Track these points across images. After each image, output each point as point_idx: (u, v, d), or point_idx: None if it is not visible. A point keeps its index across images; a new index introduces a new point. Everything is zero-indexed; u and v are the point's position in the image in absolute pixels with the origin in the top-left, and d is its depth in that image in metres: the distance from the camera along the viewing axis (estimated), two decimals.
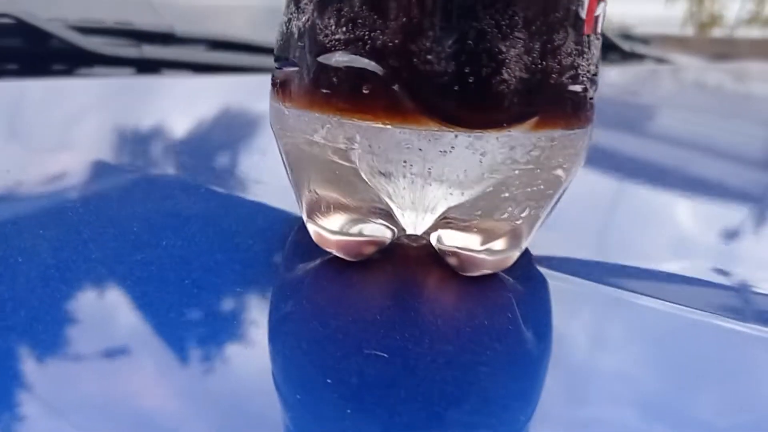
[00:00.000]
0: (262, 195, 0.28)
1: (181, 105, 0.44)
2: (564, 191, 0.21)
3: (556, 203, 0.21)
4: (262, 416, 0.15)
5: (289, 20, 0.19)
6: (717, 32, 2.81)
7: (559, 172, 0.19)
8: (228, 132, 0.38)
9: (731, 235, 0.29)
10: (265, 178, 0.29)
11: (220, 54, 0.56)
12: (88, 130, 0.37)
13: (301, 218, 0.21)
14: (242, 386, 0.16)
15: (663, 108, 0.75)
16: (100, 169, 0.30)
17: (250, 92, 0.46)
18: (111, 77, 0.49)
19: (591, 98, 0.20)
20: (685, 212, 0.32)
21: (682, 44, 2.49)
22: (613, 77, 0.82)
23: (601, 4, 0.19)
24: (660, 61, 1.03)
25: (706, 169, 0.44)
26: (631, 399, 0.16)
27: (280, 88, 0.20)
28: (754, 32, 2.76)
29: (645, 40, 1.15)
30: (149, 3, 0.60)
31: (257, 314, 0.19)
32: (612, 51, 0.93)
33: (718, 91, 0.95)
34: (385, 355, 0.17)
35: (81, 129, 0.37)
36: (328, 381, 0.16)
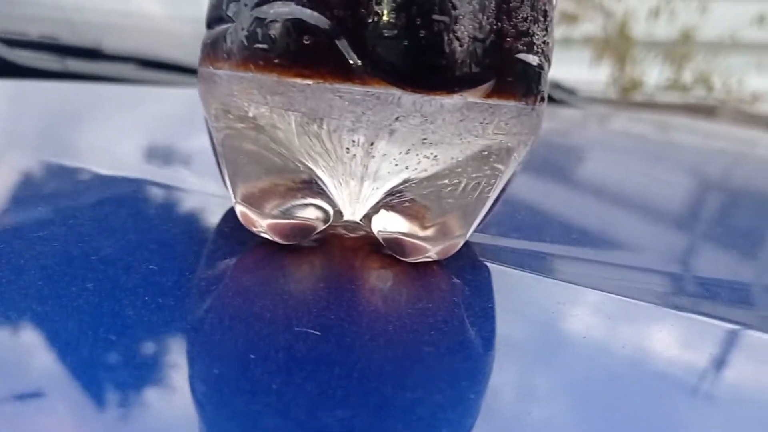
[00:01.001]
0: (190, 182, 0.26)
1: (106, 109, 0.42)
2: (511, 178, 0.19)
3: (503, 191, 0.19)
4: (181, 390, 0.13)
5: None
6: (638, 96, 2.94)
7: (510, 148, 0.18)
8: (155, 133, 0.36)
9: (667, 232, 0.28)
10: (193, 165, 0.27)
11: (149, 72, 0.54)
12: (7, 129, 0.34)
13: (230, 203, 0.19)
14: (159, 360, 0.14)
15: (589, 151, 0.76)
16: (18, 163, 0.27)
17: (180, 103, 0.44)
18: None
19: (545, 75, 0.19)
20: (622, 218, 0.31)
21: (606, 107, 2.59)
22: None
23: None
24: (587, 109, 1.06)
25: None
26: (569, 378, 0.15)
27: (211, 50, 0.18)
28: (673, 97, 2.90)
29: (572, 92, 1.18)
30: (73, 21, 0.58)
31: (176, 294, 0.17)
32: None
33: (640, 138, 0.98)
34: (318, 332, 0.15)
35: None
36: (252, 356, 0.14)
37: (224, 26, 0.18)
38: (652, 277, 0.23)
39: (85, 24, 0.59)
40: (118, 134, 0.34)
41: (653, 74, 2.98)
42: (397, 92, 0.16)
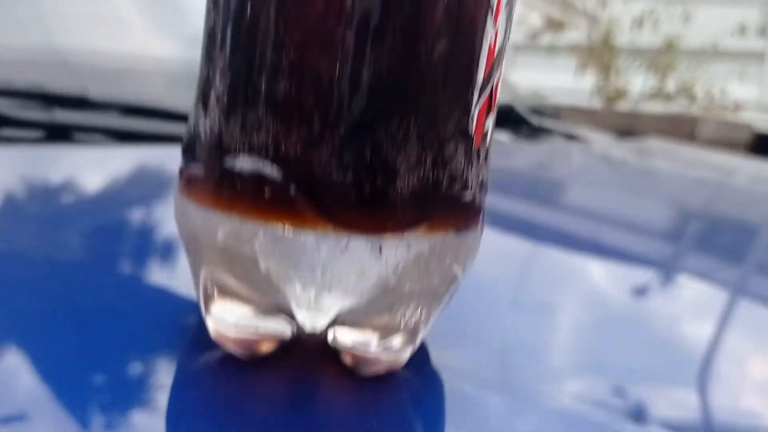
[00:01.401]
0: (163, 280, 0.28)
1: (89, 176, 0.44)
2: (457, 287, 0.22)
3: (450, 298, 0.22)
4: None
5: (197, 120, 0.20)
6: (623, 105, 2.98)
7: (453, 270, 0.20)
8: (134, 208, 0.38)
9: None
10: (169, 262, 0.29)
11: (135, 120, 0.55)
12: None
13: (198, 308, 0.21)
14: None
15: (570, 183, 0.78)
16: None
17: (163, 164, 0.46)
18: (18, 144, 0.48)
19: (480, 203, 0.21)
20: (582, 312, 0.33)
21: (590, 117, 2.63)
22: (523, 152, 0.86)
23: (490, 119, 0.20)
24: (569, 136, 1.08)
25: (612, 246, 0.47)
26: None
27: (186, 183, 0.20)
28: (656, 107, 2.94)
29: (555, 114, 1.21)
30: (63, 64, 0.59)
31: (137, 409, 0.19)
32: (522, 125, 0.97)
33: (622, 167, 1.00)
34: None
35: None
36: None
37: (197, 166, 0.20)
38: None
39: (73, 68, 0.60)
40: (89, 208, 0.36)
41: (637, 83, 3.02)
42: (346, 235, 0.18)
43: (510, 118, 0.94)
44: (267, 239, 0.18)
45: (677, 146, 1.31)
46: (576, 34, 3.30)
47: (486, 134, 0.20)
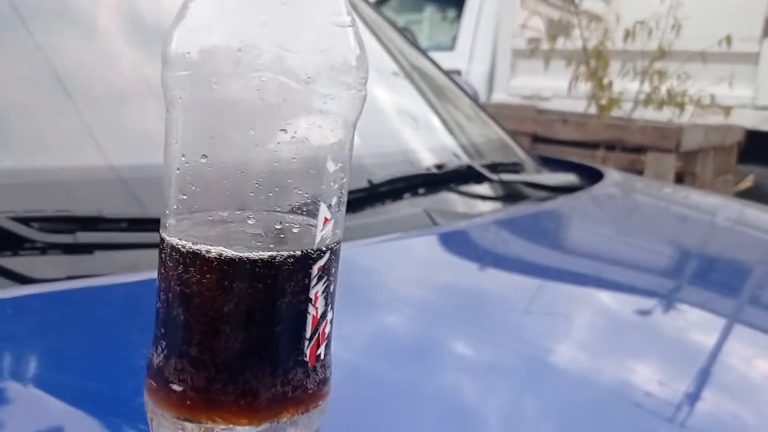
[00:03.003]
0: None
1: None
2: None
3: None
4: None
5: (151, 351, 0.34)
6: (617, 112, 3.09)
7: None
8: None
9: None
10: None
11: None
12: None
13: None
14: None
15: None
16: None
17: None
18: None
19: (322, 389, 0.35)
20: None
21: (581, 129, 2.74)
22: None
23: (321, 347, 0.34)
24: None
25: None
26: None
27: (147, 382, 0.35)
28: (648, 114, 3.04)
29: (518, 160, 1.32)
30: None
31: None
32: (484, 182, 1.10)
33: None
34: None
35: None
36: None
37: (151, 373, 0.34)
38: None
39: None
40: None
41: (631, 91, 3.12)
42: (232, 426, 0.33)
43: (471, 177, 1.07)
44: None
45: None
46: (570, 43, 3.40)
47: (319, 356, 0.34)
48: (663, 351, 0.67)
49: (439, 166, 1.03)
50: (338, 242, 0.34)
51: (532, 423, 0.51)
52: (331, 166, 0.31)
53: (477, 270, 0.83)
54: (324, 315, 0.34)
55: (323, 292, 0.33)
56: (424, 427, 0.47)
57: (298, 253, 0.31)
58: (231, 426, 0.32)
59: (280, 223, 0.32)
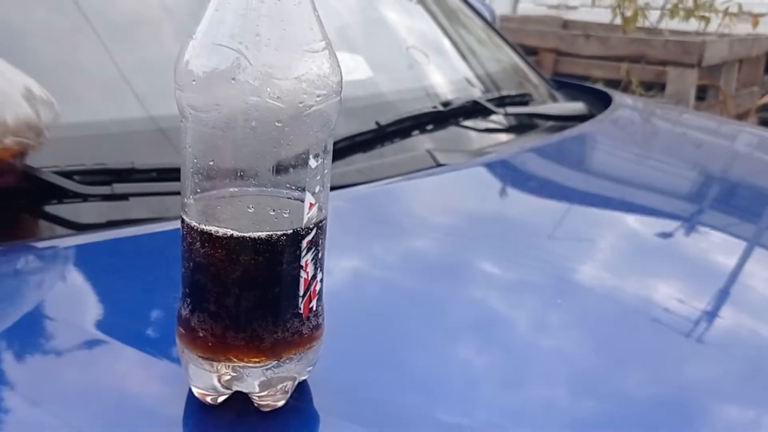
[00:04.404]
0: None
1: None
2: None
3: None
4: None
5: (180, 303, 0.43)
6: (642, 23, 3.05)
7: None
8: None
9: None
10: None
11: None
12: None
13: None
14: None
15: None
16: None
17: None
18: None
19: (315, 334, 0.44)
20: None
21: (603, 43, 2.73)
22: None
23: (314, 301, 0.43)
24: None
25: None
26: None
27: (178, 325, 0.44)
28: (674, 24, 3.00)
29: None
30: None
31: None
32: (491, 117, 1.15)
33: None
34: None
35: None
36: None
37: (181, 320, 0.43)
38: None
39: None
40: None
41: (657, 0, 3.07)
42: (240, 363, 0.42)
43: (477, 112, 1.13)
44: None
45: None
46: None
47: (312, 308, 0.43)
48: (683, 271, 0.74)
49: (445, 103, 1.08)
50: (323, 219, 0.42)
51: (557, 332, 0.59)
52: (313, 163, 0.39)
53: (494, 202, 0.90)
54: (314, 277, 0.42)
55: (312, 260, 0.42)
56: (453, 335, 0.56)
57: (290, 231, 0.40)
58: (243, 363, 0.42)
59: (275, 206, 0.40)
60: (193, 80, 0.37)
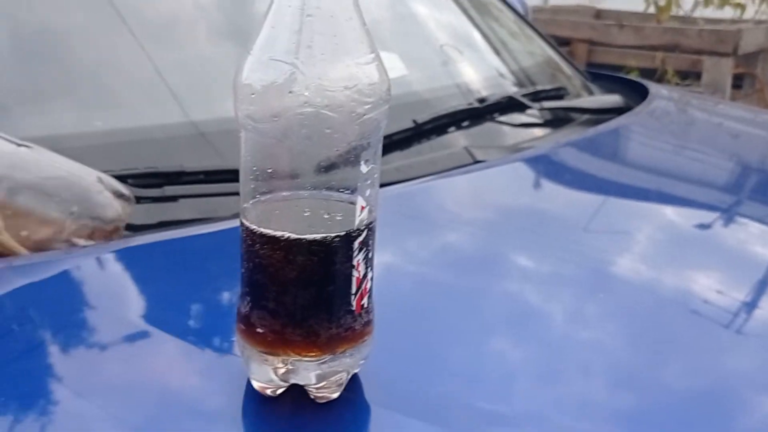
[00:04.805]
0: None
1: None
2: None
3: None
4: None
5: (239, 301, 0.46)
6: (676, 12, 3.01)
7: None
8: None
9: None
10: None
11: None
12: None
13: None
14: None
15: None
16: None
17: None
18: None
19: (366, 329, 0.46)
20: None
21: (637, 33, 2.70)
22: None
23: (365, 299, 0.45)
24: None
25: None
26: None
27: (238, 323, 0.47)
28: (709, 13, 2.96)
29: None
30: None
31: None
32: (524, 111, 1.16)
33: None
34: None
35: None
36: None
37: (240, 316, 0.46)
38: None
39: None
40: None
41: None
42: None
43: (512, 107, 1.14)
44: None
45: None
46: None
47: (363, 305, 0.45)
48: (722, 263, 0.75)
49: (480, 100, 1.10)
50: (373, 221, 0.44)
51: (594, 324, 0.60)
52: (364, 168, 0.41)
53: (532, 197, 0.92)
54: (365, 275, 0.44)
55: (363, 259, 0.44)
56: (492, 328, 0.58)
57: (343, 233, 0.42)
58: (300, 357, 0.44)
59: (328, 209, 0.42)
60: (252, 94, 0.39)
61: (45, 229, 0.61)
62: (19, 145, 0.62)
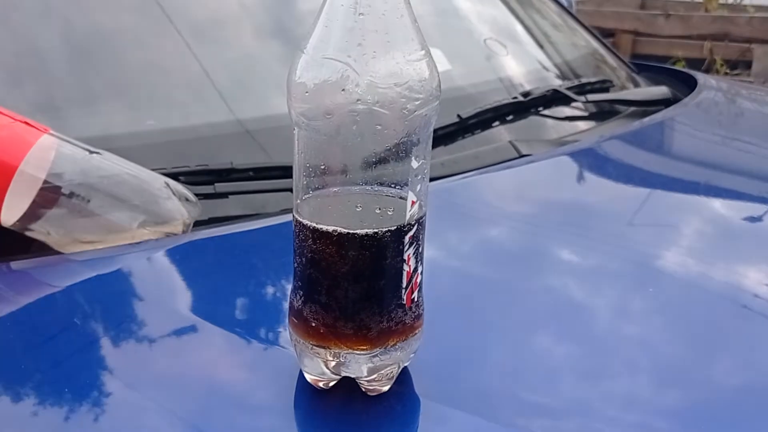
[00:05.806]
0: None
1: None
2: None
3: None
4: None
5: (292, 294, 0.47)
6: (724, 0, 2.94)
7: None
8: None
9: None
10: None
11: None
12: None
13: None
14: None
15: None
16: None
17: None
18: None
19: (416, 322, 0.47)
20: None
21: (685, 22, 2.65)
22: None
23: (415, 293, 0.46)
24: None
25: None
26: None
27: (290, 316, 0.48)
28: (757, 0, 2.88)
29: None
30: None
31: None
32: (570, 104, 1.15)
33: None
34: None
35: None
36: None
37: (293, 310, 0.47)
38: None
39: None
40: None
41: None
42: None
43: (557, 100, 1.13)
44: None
45: None
46: None
47: (413, 299, 0.46)
48: None
49: (525, 93, 1.09)
50: (423, 215, 0.44)
51: (641, 319, 0.60)
52: (414, 163, 0.42)
53: (578, 191, 0.91)
54: (415, 270, 0.45)
55: (414, 253, 0.45)
56: (538, 322, 0.58)
57: (394, 228, 0.43)
58: (352, 350, 0.45)
59: (380, 204, 0.43)
60: (306, 92, 0.40)
61: (113, 236, 0.63)
62: (91, 152, 0.64)
